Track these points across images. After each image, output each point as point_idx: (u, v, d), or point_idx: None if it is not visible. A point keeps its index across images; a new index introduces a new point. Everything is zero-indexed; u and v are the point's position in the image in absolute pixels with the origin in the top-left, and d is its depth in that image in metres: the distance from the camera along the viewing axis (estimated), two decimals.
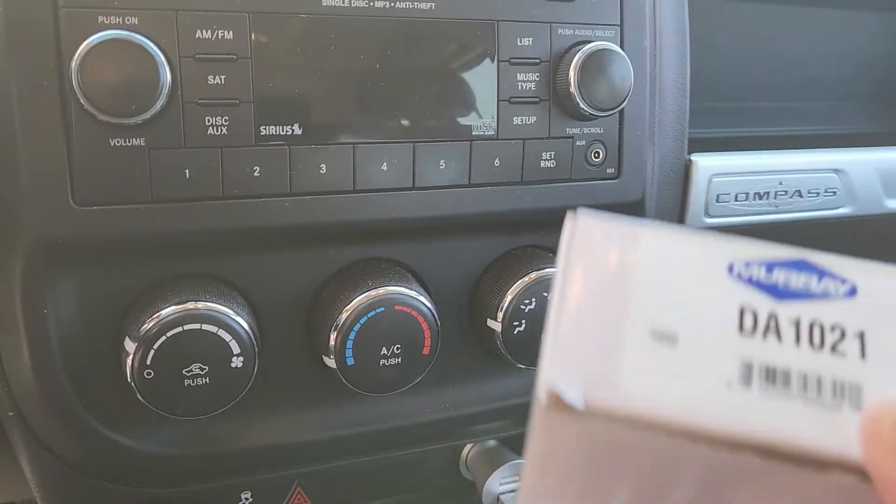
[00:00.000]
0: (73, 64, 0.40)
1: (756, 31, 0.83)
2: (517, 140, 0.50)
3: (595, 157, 0.53)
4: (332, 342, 0.48)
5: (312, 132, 0.45)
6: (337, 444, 0.55)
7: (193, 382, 0.45)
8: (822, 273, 0.23)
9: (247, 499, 0.58)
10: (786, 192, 0.69)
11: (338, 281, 0.50)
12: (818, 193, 0.71)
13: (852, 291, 0.22)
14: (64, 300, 0.45)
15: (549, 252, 0.56)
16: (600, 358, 0.21)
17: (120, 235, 0.43)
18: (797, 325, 0.22)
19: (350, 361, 0.48)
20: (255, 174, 0.45)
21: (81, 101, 0.40)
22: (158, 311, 0.44)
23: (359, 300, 0.48)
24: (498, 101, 0.49)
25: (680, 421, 0.20)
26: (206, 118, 0.43)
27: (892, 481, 0.18)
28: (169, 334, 0.44)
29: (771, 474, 0.20)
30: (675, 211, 0.65)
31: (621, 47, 0.52)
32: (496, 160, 0.50)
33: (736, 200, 0.67)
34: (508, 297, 0.52)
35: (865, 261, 0.23)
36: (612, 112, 0.51)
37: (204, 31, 0.42)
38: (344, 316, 0.48)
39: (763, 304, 0.22)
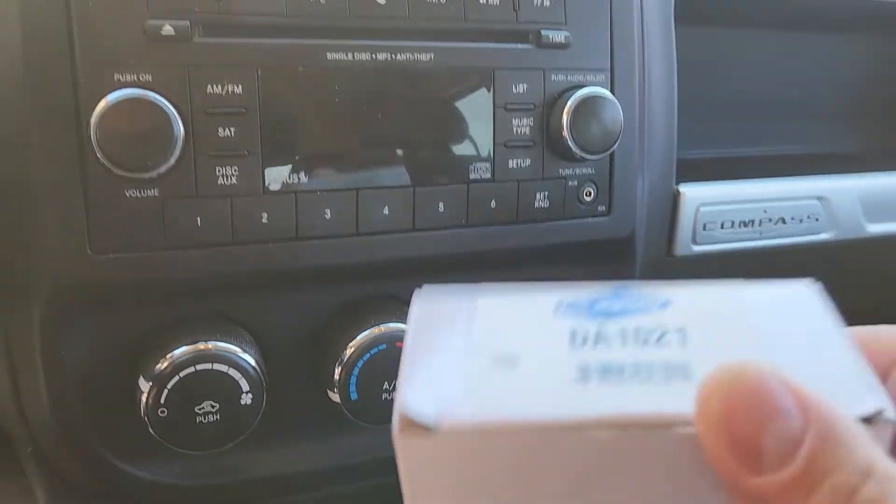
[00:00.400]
0: (92, 121, 0.42)
1: (741, 54, 0.86)
2: (512, 182, 0.52)
3: (587, 196, 0.55)
4: (336, 377, 0.50)
5: (318, 180, 0.48)
6: (341, 471, 0.57)
7: (205, 419, 0.47)
8: (639, 295, 0.25)
9: None
10: (770, 219, 0.72)
11: (341, 318, 0.52)
12: (801, 220, 0.73)
13: (667, 303, 0.25)
14: (80, 342, 0.47)
15: None
16: (446, 383, 0.23)
17: (135, 281, 0.45)
18: (622, 332, 0.24)
19: (354, 396, 0.50)
20: (263, 220, 0.47)
21: (99, 156, 0.42)
22: (171, 352, 0.46)
23: (362, 338, 0.50)
24: (494, 145, 0.51)
25: (527, 418, 0.21)
26: (217, 168, 0.45)
27: (716, 453, 0.20)
28: (182, 374, 0.46)
29: (621, 444, 0.21)
30: (664, 240, 0.67)
31: (612, 91, 0.54)
32: (492, 202, 0.52)
33: (722, 228, 0.70)
34: None
35: (677, 281, 0.25)
36: (603, 155, 0.53)
37: (215, 87, 0.44)
38: (348, 353, 0.50)
39: (590, 326, 0.24)
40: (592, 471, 0.22)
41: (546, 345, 0.24)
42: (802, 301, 0.25)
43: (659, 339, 0.24)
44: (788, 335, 0.24)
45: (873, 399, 0.21)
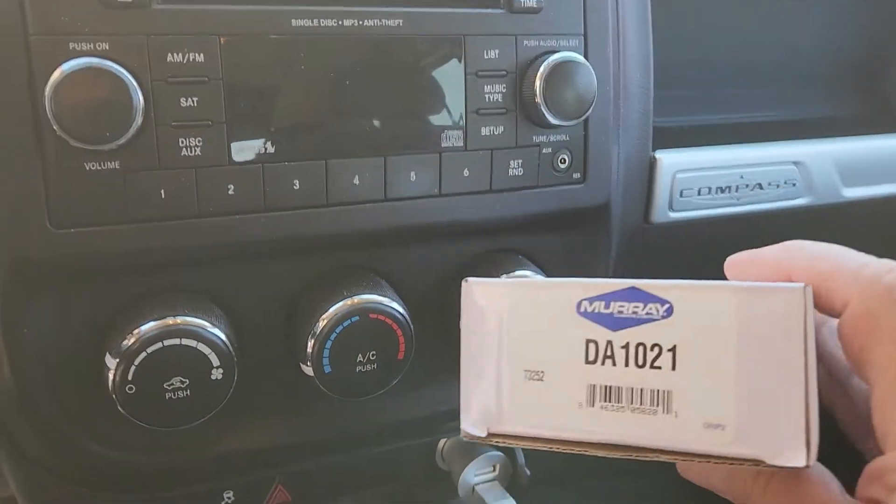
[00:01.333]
0: (46, 92, 0.40)
1: (717, 19, 0.85)
2: (485, 150, 0.51)
3: (561, 164, 0.54)
4: (309, 350, 0.49)
5: (285, 150, 0.46)
6: (316, 445, 0.57)
7: (175, 395, 0.46)
8: (646, 298, 0.29)
9: (229, 498, 0.59)
10: (747, 185, 0.71)
11: (313, 290, 0.51)
12: (778, 185, 0.73)
13: (669, 311, 0.29)
14: (43, 318, 0.46)
15: (517, 255, 0.57)
16: (492, 400, 0.31)
17: (97, 256, 0.44)
18: (627, 349, 0.29)
19: (327, 369, 0.50)
20: (230, 192, 0.46)
21: (55, 128, 0.40)
22: (138, 327, 0.45)
23: (334, 310, 0.49)
24: (466, 113, 0.50)
25: (546, 435, 0.30)
26: (180, 139, 0.44)
27: None
28: (149, 350, 0.45)
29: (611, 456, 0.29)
30: (640, 207, 0.67)
31: (585, 56, 0.53)
32: (465, 170, 0.51)
33: (699, 195, 0.70)
34: None
35: (681, 281, 0.29)
36: (577, 122, 0.52)
37: (175, 55, 0.43)
38: (320, 325, 0.49)
39: (602, 336, 0.30)
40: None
41: (565, 358, 0.30)
42: (787, 313, 0.28)
43: (654, 360, 0.29)
44: (760, 364, 0.28)
45: (794, 454, 0.27)
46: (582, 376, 0.30)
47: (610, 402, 0.29)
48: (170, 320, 0.46)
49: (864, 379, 0.29)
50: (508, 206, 0.53)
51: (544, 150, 0.53)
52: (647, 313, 0.29)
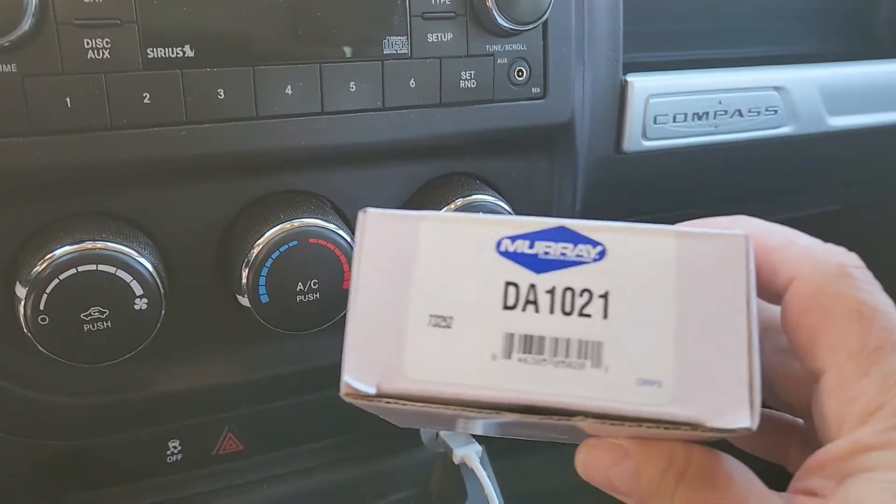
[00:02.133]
0: None
1: None
2: (433, 59, 0.47)
3: (519, 76, 0.50)
4: (244, 279, 0.45)
5: (206, 54, 0.42)
6: (263, 385, 0.53)
7: (94, 327, 0.42)
8: (576, 239, 0.26)
9: (175, 447, 0.56)
10: (725, 111, 0.67)
11: (249, 215, 0.47)
12: (759, 112, 0.69)
13: (602, 254, 0.26)
14: None
15: (475, 179, 0.53)
16: (387, 347, 0.25)
17: None
18: (552, 293, 0.25)
19: (265, 299, 0.46)
20: (146, 101, 0.41)
21: None
22: (51, 253, 0.41)
23: (270, 234, 0.45)
24: (410, 16, 0.46)
25: (452, 395, 0.25)
26: (86, 41, 0.40)
27: None
28: (62, 277, 0.41)
29: (528, 421, 0.25)
30: (611, 134, 0.62)
31: None
32: (411, 81, 0.47)
33: (674, 122, 0.65)
34: None
35: (616, 223, 0.26)
36: (533, 25, 0.48)
37: None
38: (255, 251, 0.45)
39: (524, 278, 0.26)
40: (506, 427, 0.28)
41: (480, 302, 0.26)
42: (729, 262, 0.25)
43: (583, 307, 0.25)
44: (700, 315, 0.25)
45: (737, 414, 0.24)
46: (498, 323, 0.25)
47: (530, 353, 0.25)
48: (88, 244, 0.42)
49: (809, 362, 0.27)
50: (461, 121, 0.49)
51: (499, 61, 0.49)
52: (577, 255, 0.26)
